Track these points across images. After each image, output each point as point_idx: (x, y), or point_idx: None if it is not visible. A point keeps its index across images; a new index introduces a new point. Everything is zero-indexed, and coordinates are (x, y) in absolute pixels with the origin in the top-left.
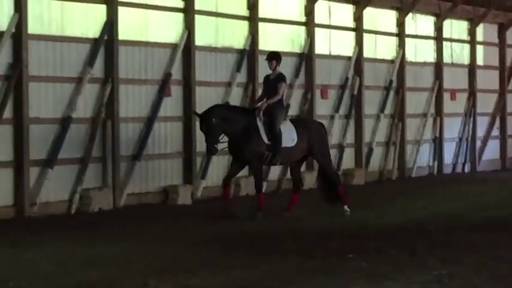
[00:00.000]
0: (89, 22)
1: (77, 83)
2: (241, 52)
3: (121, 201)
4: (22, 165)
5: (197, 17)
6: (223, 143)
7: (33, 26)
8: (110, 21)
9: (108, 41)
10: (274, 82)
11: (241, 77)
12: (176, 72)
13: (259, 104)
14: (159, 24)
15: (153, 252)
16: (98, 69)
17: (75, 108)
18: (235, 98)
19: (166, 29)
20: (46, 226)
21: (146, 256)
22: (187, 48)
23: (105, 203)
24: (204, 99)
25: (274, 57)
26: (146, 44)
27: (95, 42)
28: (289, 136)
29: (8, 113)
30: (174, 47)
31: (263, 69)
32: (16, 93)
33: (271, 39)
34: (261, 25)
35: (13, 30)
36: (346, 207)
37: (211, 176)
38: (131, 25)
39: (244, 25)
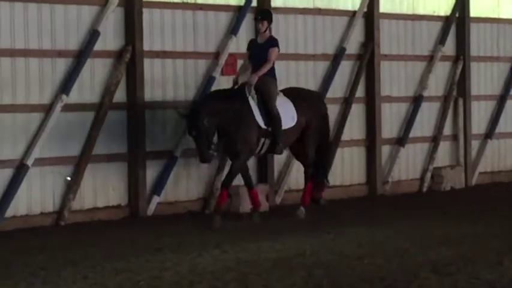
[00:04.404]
0: (441, 0)
1: (428, 61)
2: None
3: (473, 180)
4: (374, 143)
5: None
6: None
7: (385, 5)
8: None
9: (459, 18)
10: (264, 47)
11: None
12: None
13: (244, 77)
14: (511, 1)
15: (508, 231)
16: (449, 47)
17: (426, 86)
18: None
19: None
20: (398, 204)
21: (501, 235)
22: None
23: (457, 181)
24: None
25: (266, 16)
26: (498, 20)
27: (446, 20)
28: (288, 113)
29: (360, 91)
30: None
31: None
32: (368, 72)
33: None
34: None
35: (365, 9)
36: (303, 209)
37: None
38: (483, 2)
39: None
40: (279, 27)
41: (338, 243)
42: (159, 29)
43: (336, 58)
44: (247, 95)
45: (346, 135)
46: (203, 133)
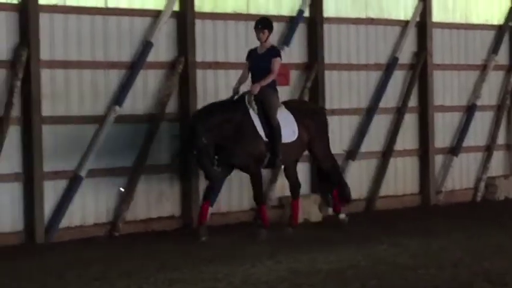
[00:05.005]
0: (493, 9)
1: (481, 70)
2: None
3: None
4: (427, 153)
5: None
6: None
7: (438, 14)
8: None
9: None
10: (265, 58)
11: None
12: None
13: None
14: None
15: None
16: (502, 56)
17: (479, 95)
18: None
19: None
20: (452, 214)
21: None
22: None
23: (510, 191)
24: None
25: (266, 25)
26: None
27: (500, 29)
28: (289, 127)
29: (413, 101)
30: None
31: None
32: (421, 82)
33: None
34: None
35: (417, 19)
36: (342, 215)
37: None
38: None
39: None
40: (331, 37)
41: (391, 253)
42: (211, 40)
43: (389, 68)
44: (248, 106)
45: (399, 145)
46: (204, 151)
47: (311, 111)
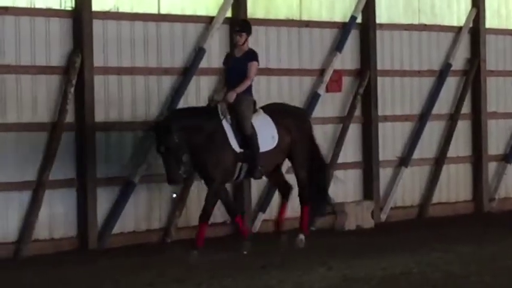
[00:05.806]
0: None
1: None
2: None
3: None
4: (480, 160)
5: None
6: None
7: (491, 21)
8: None
9: None
10: (242, 61)
11: None
12: None
13: (221, 94)
14: None
15: None
16: None
17: None
18: None
19: None
20: (505, 222)
21: None
22: None
23: None
24: None
25: (245, 28)
26: None
27: None
28: (267, 133)
29: (466, 108)
30: None
31: None
32: (474, 88)
33: None
34: None
35: (471, 25)
36: (302, 236)
37: None
38: None
39: None
40: (384, 44)
41: (444, 260)
42: (264, 46)
43: (442, 74)
44: (221, 115)
45: (452, 152)
46: (172, 150)
47: (292, 113)
